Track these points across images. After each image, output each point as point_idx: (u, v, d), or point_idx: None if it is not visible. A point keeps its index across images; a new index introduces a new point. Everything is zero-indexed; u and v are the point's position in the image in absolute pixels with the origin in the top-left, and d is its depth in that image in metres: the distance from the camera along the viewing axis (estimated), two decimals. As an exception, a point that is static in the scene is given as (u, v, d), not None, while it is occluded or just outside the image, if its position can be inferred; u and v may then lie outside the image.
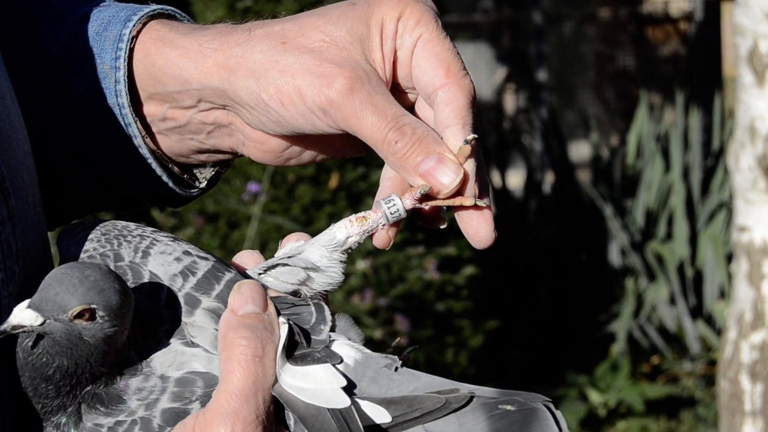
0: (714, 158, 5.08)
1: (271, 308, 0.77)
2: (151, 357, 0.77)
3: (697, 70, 7.81)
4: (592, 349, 4.77)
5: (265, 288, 0.79)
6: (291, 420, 0.76)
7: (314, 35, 0.81)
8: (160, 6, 0.94)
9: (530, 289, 4.91)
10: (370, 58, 0.81)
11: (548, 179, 5.88)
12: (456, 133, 0.78)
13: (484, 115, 6.93)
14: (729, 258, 4.51)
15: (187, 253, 0.81)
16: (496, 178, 5.48)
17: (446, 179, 0.77)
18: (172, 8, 0.96)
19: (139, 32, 0.90)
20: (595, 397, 4.46)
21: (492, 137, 6.03)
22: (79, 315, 0.73)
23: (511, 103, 8.40)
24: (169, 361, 0.76)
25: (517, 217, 5.37)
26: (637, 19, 8.81)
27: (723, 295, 4.68)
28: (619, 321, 4.75)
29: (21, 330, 0.73)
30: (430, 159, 0.77)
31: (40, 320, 0.72)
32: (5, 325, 0.72)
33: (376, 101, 0.78)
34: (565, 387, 4.55)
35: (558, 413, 0.79)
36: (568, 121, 8.22)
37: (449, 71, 0.79)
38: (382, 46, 0.81)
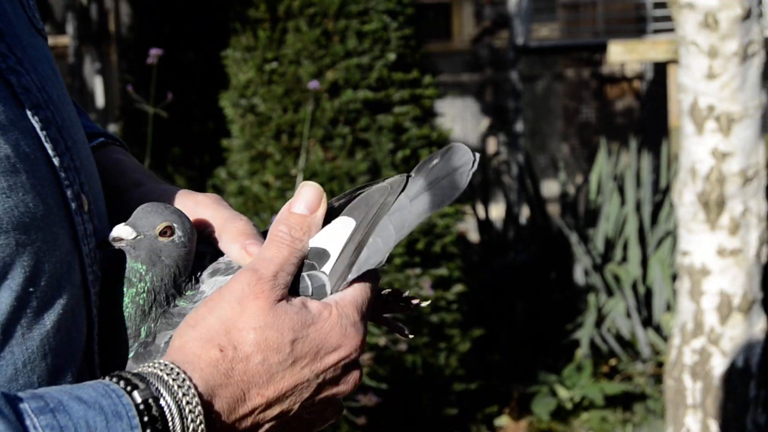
0: (661, 194, 5.24)
1: (320, 212, 0.81)
2: (202, 286, 0.82)
3: (647, 121, 7.96)
4: (560, 353, 4.96)
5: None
6: (309, 290, 0.80)
7: None
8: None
9: (509, 304, 5.11)
10: None
11: (524, 212, 6.10)
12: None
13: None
14: (674, 277, 4.64)
15: None
16: (480, 210, 5.67)
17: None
18: None
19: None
20: (563, 393, 4.65)
21: (477, 176, 6.15)
22: (163, 232, 0.79)
23: (493, 147, 8.64)
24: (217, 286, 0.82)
25: (498, 243, 5.59)
26: (598, 78, 9.12)
27: (669, 308, 4.85)
28: (582, 330, 4.93)
29: (120, 241, 0.79)
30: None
31: (134, 234, 0.78)
32: (109, 238, 0.80)
33: None
34: (538, 385, 4.75)
35: (468, 149, 0.84)
36: (540, 164, 8.42)
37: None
38: None
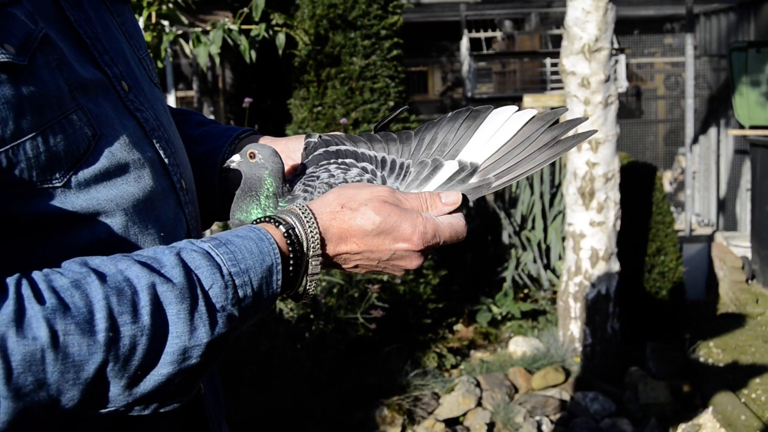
0: (555, 188, 5.43)
1: (450, 208, 0.93)
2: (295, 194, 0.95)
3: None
4: (494, 285, 5.25)
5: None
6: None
7: None
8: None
9: (463, 255, 5.33)
10: None
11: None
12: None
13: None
14: (563, 239, 4.89)
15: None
16: None
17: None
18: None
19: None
20: (495, 309, 4.96)
21: None
22: (251, 155, 0.96)
23: None
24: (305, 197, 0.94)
25: None
26: None
27: (560, 258, 5.09)
28: (507, 271, 5.21)
29: (233, 163, 0.96)
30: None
31: (239, 158, 0.97)
32: (228, 162, 0.97)
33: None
34: (480, 304, 5.02)
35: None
36: None
37: None
38: None
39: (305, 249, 0.87)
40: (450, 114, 0.98)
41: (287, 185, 0.98)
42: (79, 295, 0.73)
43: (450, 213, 0.94)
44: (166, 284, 0.77)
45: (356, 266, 0.92)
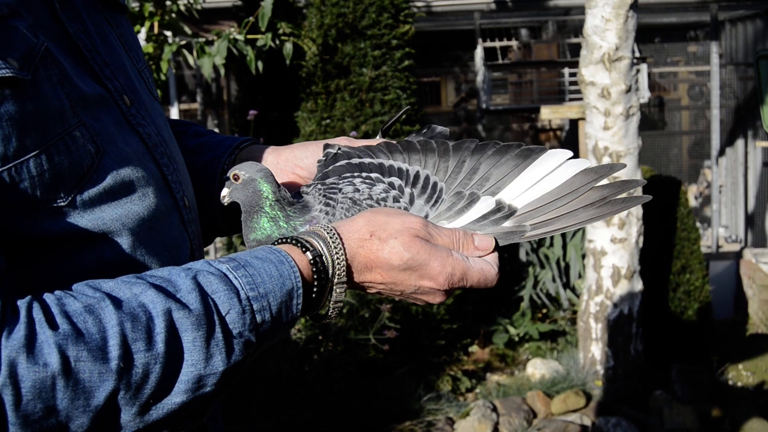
0: None
1: (480, 253, 0.91)
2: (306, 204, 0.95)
3: None
4: (511, 305, 5.22)
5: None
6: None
7: None
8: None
9: None
10: None
11: None
12: None
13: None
14: (583, 256, 4.89)
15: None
16: None
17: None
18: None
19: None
20: (512, 330, 4.95)
21: None
22: (235, 177, 0.96)
23: None
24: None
25: None
26: (534, 129, 9.44)
27: (580, 276, 5.09)
28: (525, 290, 5.16)
29: (225, 198, 0.98)
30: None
31: (227, 189, 0.97)
32: (222, 200, 0.99)
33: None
34: (496, 325, 5.03)
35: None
36: None
37: None
38: None
39: (330, 275, 0.87)
40: (499, 145, 0.95)
41: (290, 193, 0.98)
42: (92, 321, 0.73)
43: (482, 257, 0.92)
44: (182, 310, 0.77)
45: (378, 292, 0.93)
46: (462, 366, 4.54)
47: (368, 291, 0.92)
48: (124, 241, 0.85)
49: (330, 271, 0.86)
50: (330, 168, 1.00)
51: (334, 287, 0.87)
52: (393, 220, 0.89)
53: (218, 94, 6.91)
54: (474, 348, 4.87)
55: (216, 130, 7.03)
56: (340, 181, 0.96)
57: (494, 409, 4.00)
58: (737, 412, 4.02)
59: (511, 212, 0.92)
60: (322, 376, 3.82)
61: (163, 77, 3.64)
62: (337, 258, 0.86)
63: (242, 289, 0.80)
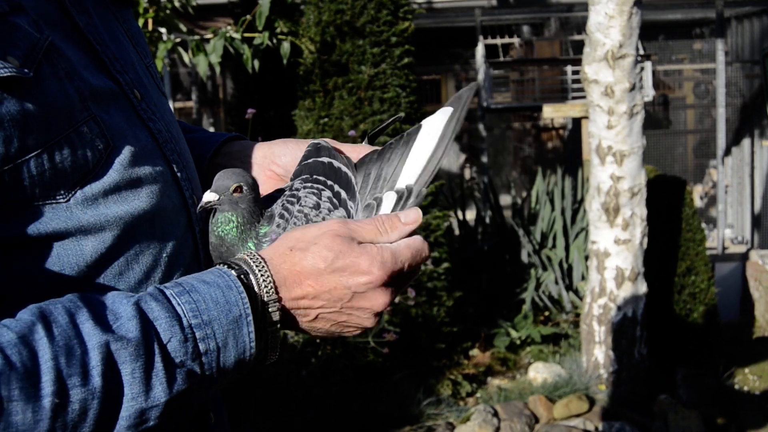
0: (578, 204, 5.46)
1: (410, 228, 0.91)
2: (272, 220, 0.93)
3: (568, 155, 8.35)
4: (512, 307, 5.19)
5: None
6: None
7: None
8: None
9: (478, 275, 5.28)
10: None
11: (488, 215, 6.21)
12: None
13: (453, 181, 7.20)
14: (586, 258, 4.90)
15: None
16: (460, 214, 5.80)
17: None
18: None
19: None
20: (514, 333, 4.92)
21: (457, 193, 6.38)
22: (235, 189, 0.92)
23: (468, 174, 9.04)
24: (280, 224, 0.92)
25: (471, 237, 5.73)
26: (536, 128, 9.43)
27: (583, 278, 5.08)
28: (526, 292, 5.14)
29: (209, 204, 0.91)
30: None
31: (216, 197, 0.91)
32: (201, 204, 0.91)
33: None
34: (497, 328, 4.98)
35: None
36: (498, 184, 8.79)
37: None
38: None
39: (257, 292, 0.83)
40: (390, 142, 0.98)
41: (264, 195, 0.97)
42: (27, 354, 0.69)
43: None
44: (119, 341, 0.73)
45: (317, 317, 0.87)
46: (462, 370, 4.53)
47: (306, 321, 0.87)
48: (126, 239, 0.83)
49: (256, 289, 0.83)
50: (304, 164, 1.00)
51: (268, 307, 0.83)
52: (309, 229, 0.87)
53: (214, 92, 6.91)
54: (475, 351, 4.87)
55: (212, 129, 7.20)
56: (302, 187, 0.97)
57: (495, 414, 4.00)
58: (743, 417, 4.02)
59: (410, 191, 0.94)
60: (320, 379, 3.79)
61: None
62: (262, 274, 0.84)
63: (185, 316, 0.77)
